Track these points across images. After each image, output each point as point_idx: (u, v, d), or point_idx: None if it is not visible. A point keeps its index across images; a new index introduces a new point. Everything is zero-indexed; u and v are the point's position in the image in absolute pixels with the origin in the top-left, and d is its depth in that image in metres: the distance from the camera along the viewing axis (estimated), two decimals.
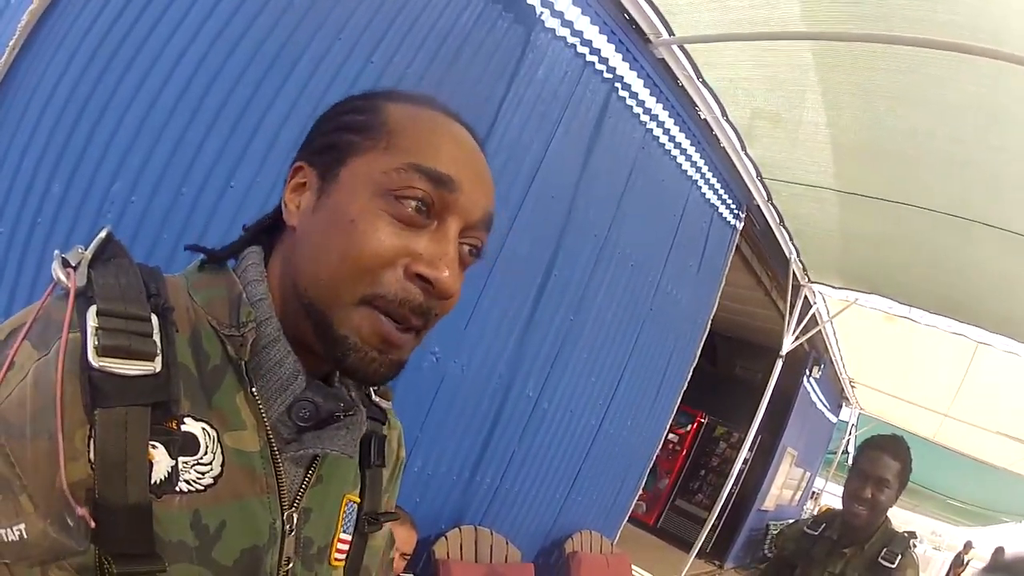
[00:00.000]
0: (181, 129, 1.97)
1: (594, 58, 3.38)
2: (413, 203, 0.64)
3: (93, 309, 0.56)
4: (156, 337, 0.59)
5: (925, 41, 2.78)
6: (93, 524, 0.52)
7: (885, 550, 2.32)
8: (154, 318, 0.59)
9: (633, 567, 5.09)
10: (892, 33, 2.85)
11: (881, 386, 9.74)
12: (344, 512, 0.78)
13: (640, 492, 5.24)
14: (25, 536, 0.52)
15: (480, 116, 2.85)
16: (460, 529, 3.40)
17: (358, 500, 0.81)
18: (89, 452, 0.53)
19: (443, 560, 3.23)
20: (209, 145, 2.03)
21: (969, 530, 17.91)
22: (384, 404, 0.87)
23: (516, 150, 3.07)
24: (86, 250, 0.60)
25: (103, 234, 0.62)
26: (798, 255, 6.03)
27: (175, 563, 0.57)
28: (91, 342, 0.54)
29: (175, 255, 1.97)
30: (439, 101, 0.74)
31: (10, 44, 1.80)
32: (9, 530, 0.52)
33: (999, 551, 13.59)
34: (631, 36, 3.52)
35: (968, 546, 14.74)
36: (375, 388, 0.86)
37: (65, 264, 0.59)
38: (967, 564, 14.28)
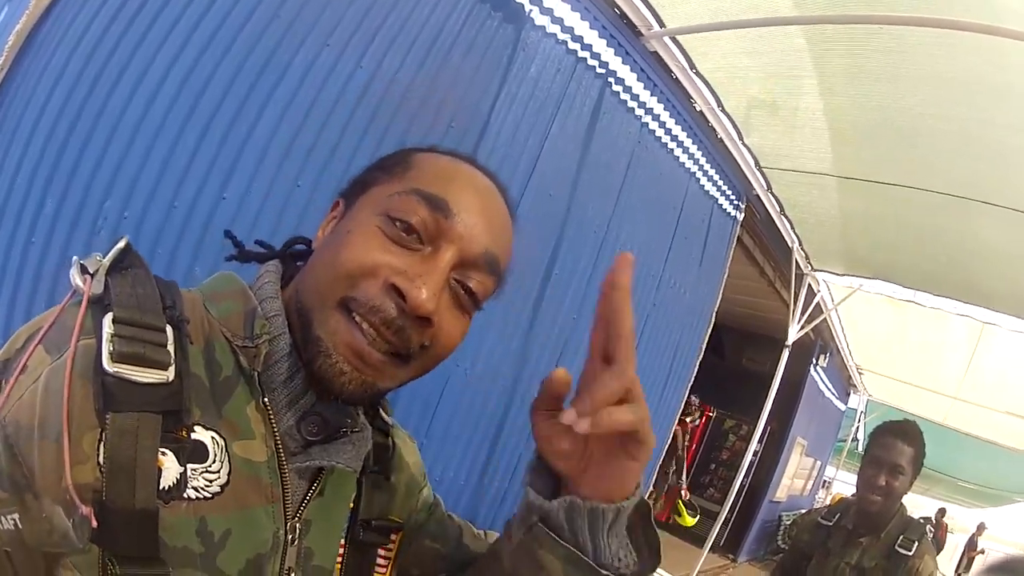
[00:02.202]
0: (171, 143, 1.95)
1: (586, 54, 3.35)
2: (403, 224, 0.67)
3: (109, 316, 0.57)
4: (170, 347, 0.60)
5: (919, 20, 2.75)
6: (95, 524, 0.53)
7: (902, 537, 2.31)
8: (169, 329, 0.61)
9: None
10: (884, 13, 2.82)
11: (889, 372, 9.69)
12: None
13: (650, 489, 5.21)
14: (20, 526, 0.54)
15: (473, 116, 2.84)
16: None
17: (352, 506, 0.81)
18: (98, 456, 0.54)
19: None
20: (199, 158, 2.00)
21: (981, 511, 17.98)
22: (387, 418, 0.89)
23: (512, 149, 3.05)
24: (104, 258, 0.62)
25: (122, 244, 0.64)
26: (800, 244, 5.99)
27: (180, 568, 0.58)
28: (106, 348, 0.56)
29: (171, 270, 1.95)
30: (474, 160, 0.78)
31: None
32: (5, 518, 0.54)
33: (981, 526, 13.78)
34: (622, 30, 3.50)
35: (981, 528, 14.72)
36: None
37: (83, 271, 0.60)
38: (980, 548, 14.26)
